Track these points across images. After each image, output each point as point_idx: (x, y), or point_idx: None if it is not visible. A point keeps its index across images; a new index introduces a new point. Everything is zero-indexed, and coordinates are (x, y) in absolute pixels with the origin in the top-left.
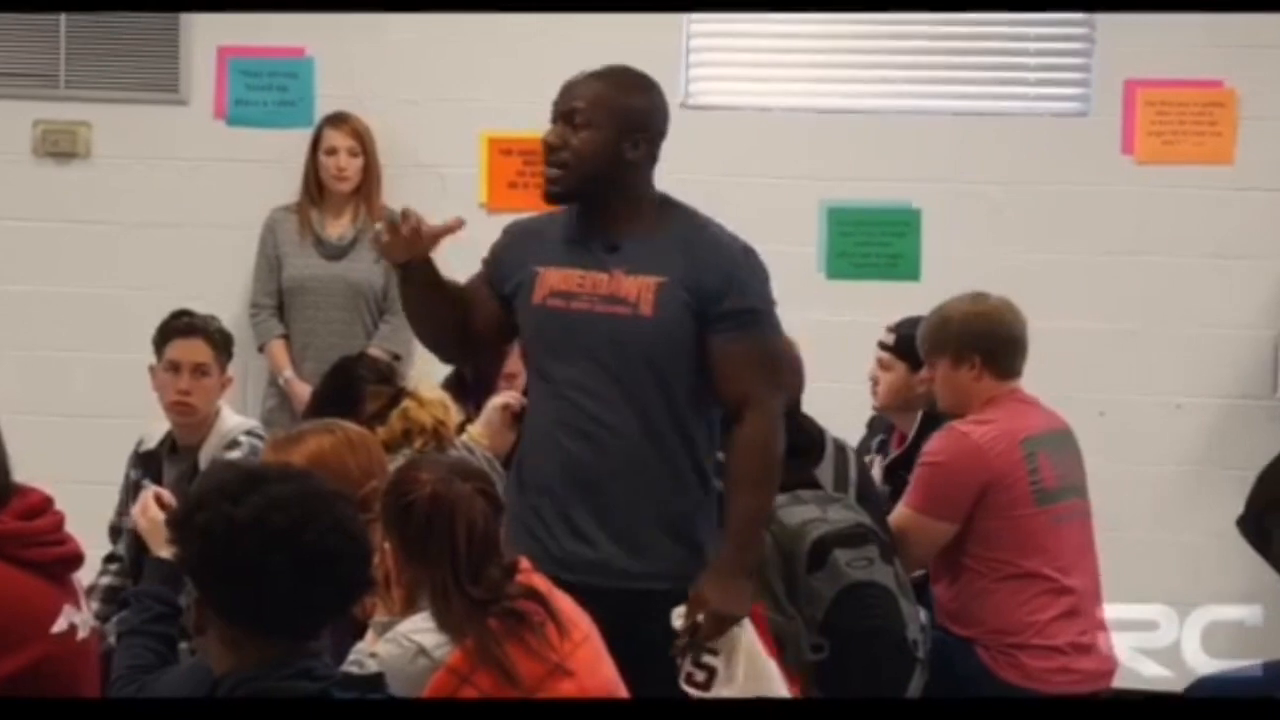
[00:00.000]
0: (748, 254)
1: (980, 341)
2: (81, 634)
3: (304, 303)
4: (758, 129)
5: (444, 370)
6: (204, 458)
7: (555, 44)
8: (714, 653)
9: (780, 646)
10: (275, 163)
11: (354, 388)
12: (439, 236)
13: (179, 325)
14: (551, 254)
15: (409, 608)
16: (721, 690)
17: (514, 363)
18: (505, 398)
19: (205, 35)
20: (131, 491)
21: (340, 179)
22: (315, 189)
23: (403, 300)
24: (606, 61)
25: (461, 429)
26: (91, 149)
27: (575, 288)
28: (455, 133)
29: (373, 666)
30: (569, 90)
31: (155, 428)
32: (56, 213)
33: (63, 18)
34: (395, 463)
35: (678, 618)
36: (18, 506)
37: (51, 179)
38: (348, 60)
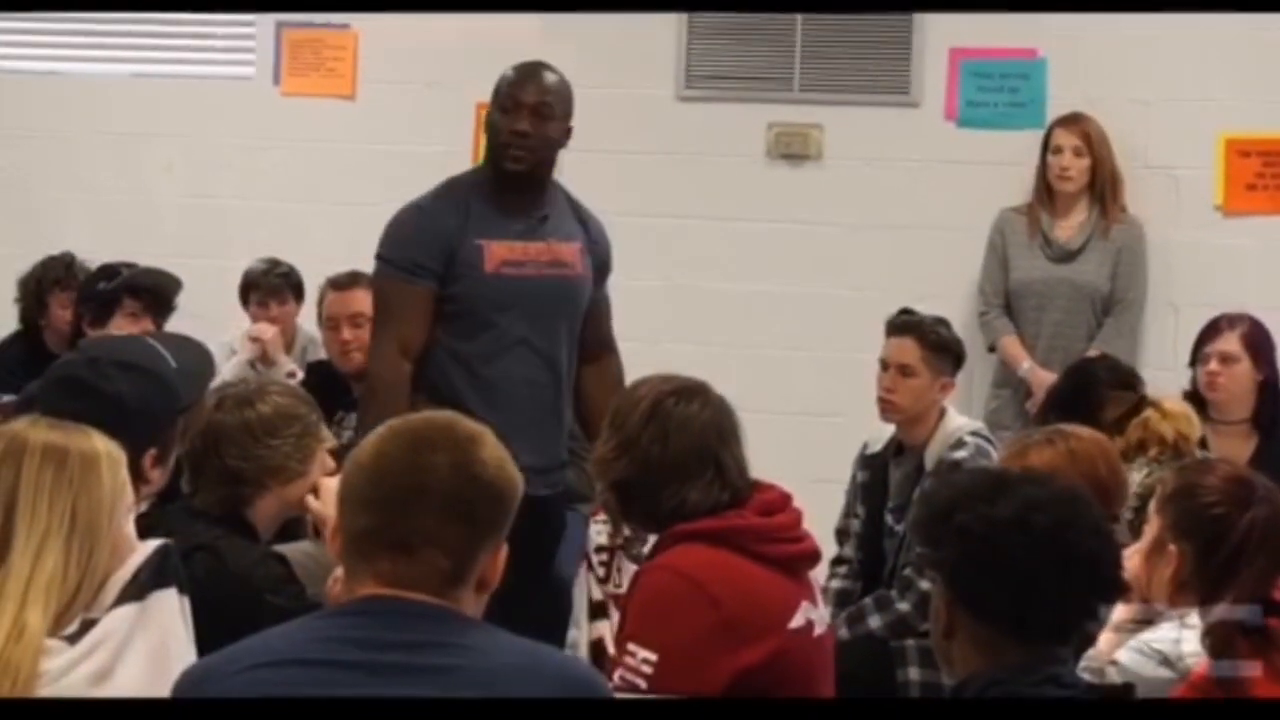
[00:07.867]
0: None
1: None
2: (818, 630)
3: (1029, 305)
4: None
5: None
6: (929, 458)
7: None
8: None
9: None
10: (1005, 165)
11: (1093, 390)
12: None
13: (894, 323)
14: (488, 227)
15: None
16: None
17: None
18: None
19: (938, 37)
20: (858, 494)
21: (1063, 178)
22: (1045, 191)
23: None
24: None
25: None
26: (823, 151)
27: (521, 256)
28: (1188, 133)
29: (1113, 675)
30: (539, 86)
31: (881, 430)
32: (787, 214)
33: (799, 20)
34: (1130, 473)
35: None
36: (758, 502)
37: (783, 180)
38: (1079, 61)
